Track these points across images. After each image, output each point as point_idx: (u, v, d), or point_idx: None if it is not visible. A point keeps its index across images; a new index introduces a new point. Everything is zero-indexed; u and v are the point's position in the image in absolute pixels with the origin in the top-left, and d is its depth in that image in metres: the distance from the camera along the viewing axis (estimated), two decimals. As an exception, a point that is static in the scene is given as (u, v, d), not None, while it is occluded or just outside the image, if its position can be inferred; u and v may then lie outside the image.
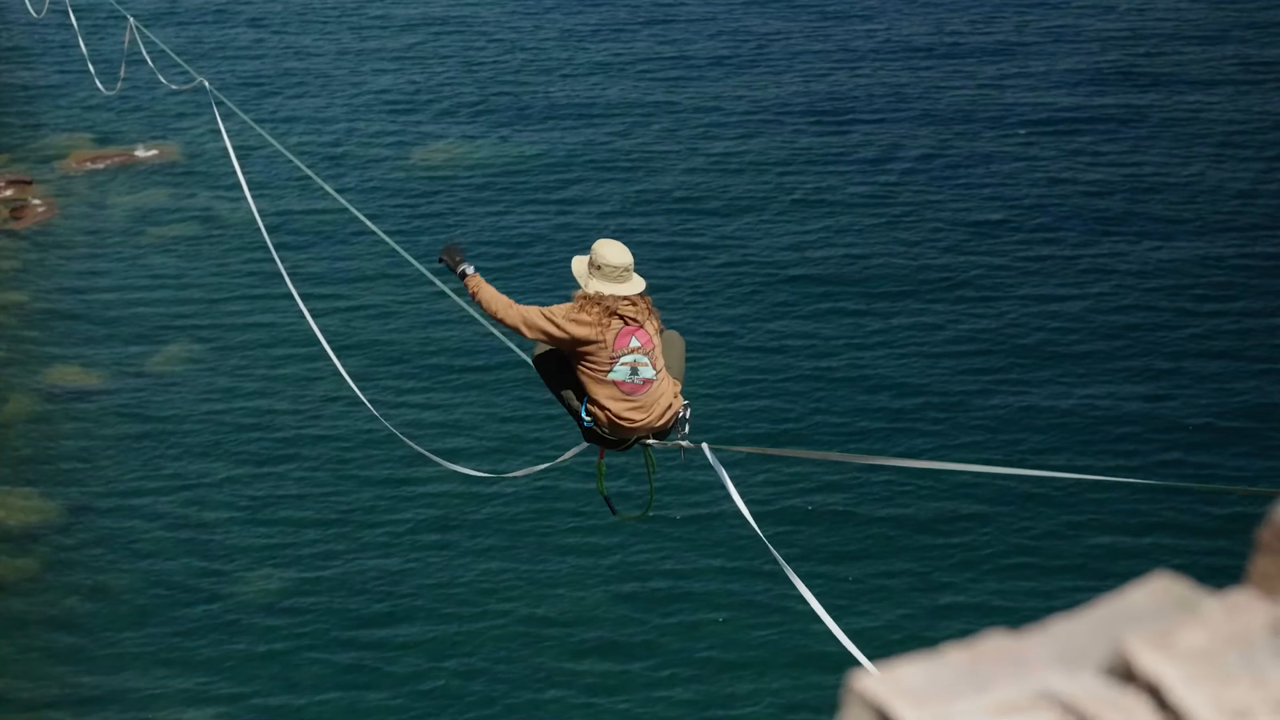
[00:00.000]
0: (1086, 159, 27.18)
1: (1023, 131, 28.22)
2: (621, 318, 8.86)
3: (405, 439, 12.61)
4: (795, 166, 27.44)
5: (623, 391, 8.89)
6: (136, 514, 19.58)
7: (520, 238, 25.39)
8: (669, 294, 23.16)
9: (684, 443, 8.98)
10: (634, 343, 8.87)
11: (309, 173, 14.40)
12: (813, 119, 29.19)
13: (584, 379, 8.97)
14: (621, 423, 8.92)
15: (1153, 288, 23.29)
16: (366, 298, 24.04)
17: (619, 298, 8.86)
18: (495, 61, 32.51)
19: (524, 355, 10.01)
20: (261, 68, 32.95)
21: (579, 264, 9.12)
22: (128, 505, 19.74)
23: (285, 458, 20.49)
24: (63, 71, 33.04)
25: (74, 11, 29.12)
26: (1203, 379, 21.20)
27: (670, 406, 9.04)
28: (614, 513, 9.82)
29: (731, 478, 8.79)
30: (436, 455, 11.70)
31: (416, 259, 11.90)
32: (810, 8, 34.48)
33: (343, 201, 13.55)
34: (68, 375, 22.40)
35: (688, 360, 9.62)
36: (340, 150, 28.98)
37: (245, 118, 16.79)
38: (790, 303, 23.36)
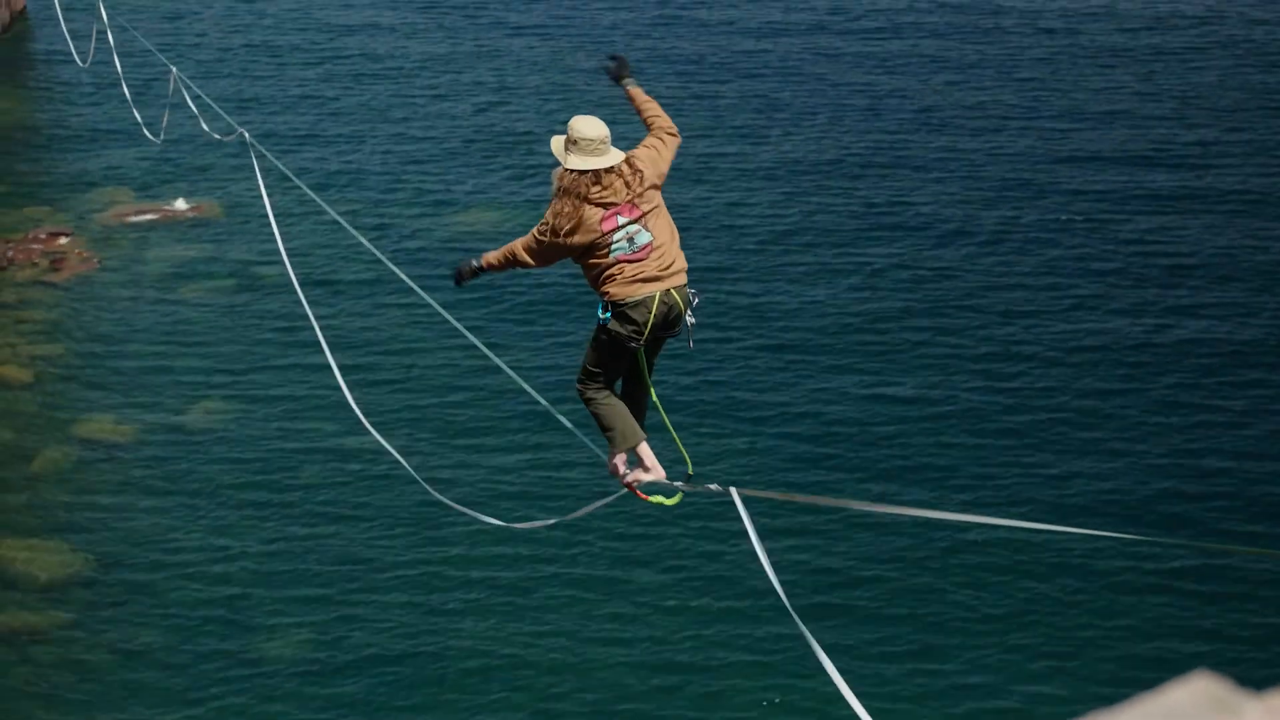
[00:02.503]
0: (1127, 236, 27.16)
1: (1063, 217, 28.23)
2: (601, 205, 9.01)
3: (443, 497, 12.60)
4: (828, 230, 27.47)
5: (625, 262, 9.05)
6: (166, 568, 19.59)
7: (562, 295, 25.44)
8: (705, 340, 23.18)
9: (713, 486, 8.92)
10: (620, 219, 9.02)
11: (344, 224, 14.45)
12: (848, 182, 29.23)
13: (593, 274, 9.13)
14: (632, 285, 9.02)
15: (1192, 362, 23.22)
16: (401, 352, 24.09)
17: (593, 183, 8.96)
18: (539, 120, 32.68)
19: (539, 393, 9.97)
20: (303, 121, 33.18)
21: (557, 142, 9.22)
22: (157, 559, 19.76)
23: (316, 515, 20.49)
24: (107, 121, 33.33)
25: (119, 60, 29.38)
26: (1249, 452, 21.10)
27: (676, 263, 9.13)
28: (689, 476, 9.65)
29: (759, 524, 8.67)
30: (470, 509, 11.67)
31: (451, 314, 11.95)
32: (840, 72, 34.61)
33: (376, 253, 13.61)
34: (101, 428, 22.46)
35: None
36: (379, 205, 29.12)
37: (284, 169, 16.87)
38: (826, 366, 23.34)
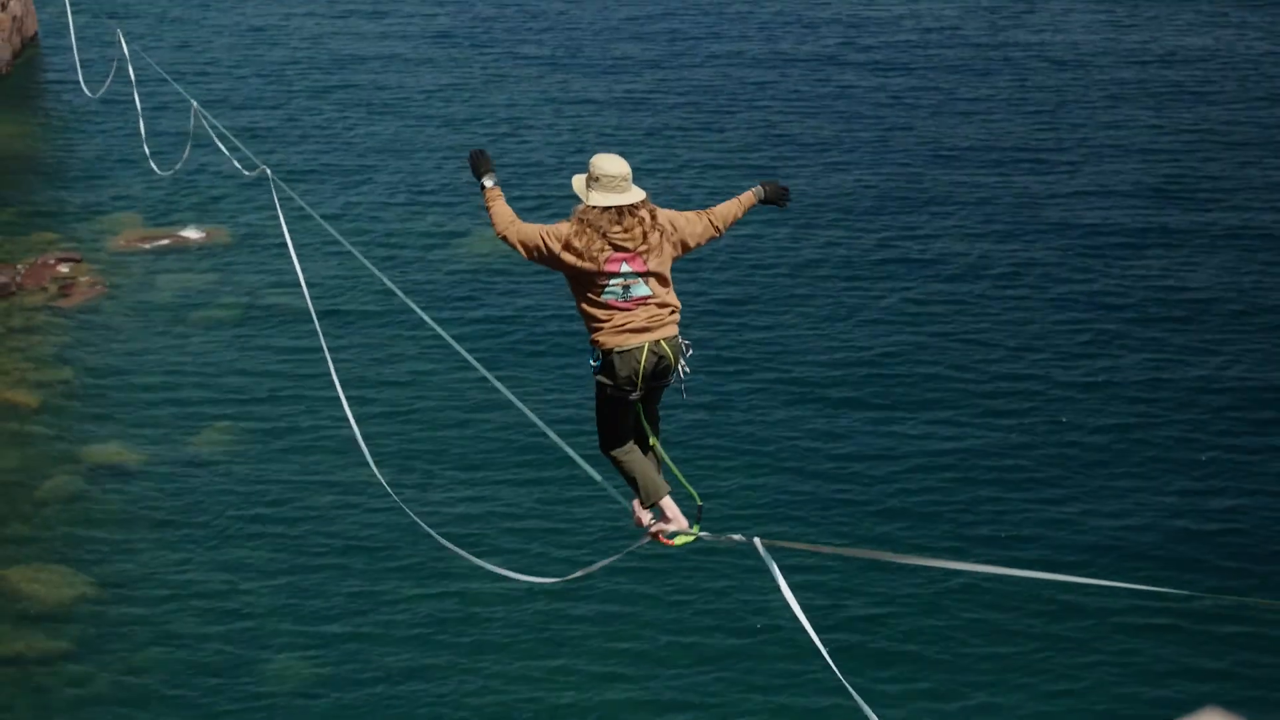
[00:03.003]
0: (1135, 274, 27.10)
1: (1074, 253, 28.20)
2: (614, 246, 9.08)
3: (455, 547, 12.53)
4: (840, 265, 27.44)
5: (615, 309, 9.12)
6: (170, 596, 19.51)
7: (572, 329, 25.40)
8: (722, 394, 23.12)
9: (736, 537, 8.88)
10: (625, 268, 9.10)
11: (367, 263, 14.35)
12: (860, 217, 29.20)
13: (581, 305, 9.21)
14: (620, 335, 9.10)
15: (1206, 402, 23.13)
16: (411, 384, 24.03)
17: (614, 221, 9.06)
18: (550, 150, 32.69)
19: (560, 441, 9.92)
20: (314, 151, 33.19)
21: (578, 180, 9.31)
22: (162, 586, 19.67)
23: (324, 546, 20.40)
24: (119, 150, 33.35)
25: (137, 92, 29.41)
26: (1258, 493, 21.00)
27: (667, 318, 9.19)
28: (700, 508, 9.65)
29: (762, 577, 8.57)
30: (479, 556, 11.60)
31: (468, 350, 11.90)
32: (852, 105, 34.61)
33: (396, 290, 13.54)
34: (108, 454, 22.41)
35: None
36: (390, 236, 29.10)
37: (307, 207, 16.91)
38: (826, 408, 23.26)
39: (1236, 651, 18.19)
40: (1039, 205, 29.73)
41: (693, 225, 9.44)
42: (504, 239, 9.34)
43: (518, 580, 11.07)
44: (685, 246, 9.38)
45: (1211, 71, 36.63)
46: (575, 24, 41.46)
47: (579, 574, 10.92)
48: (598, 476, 10.07)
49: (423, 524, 12.52)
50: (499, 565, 11.47)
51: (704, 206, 9.73)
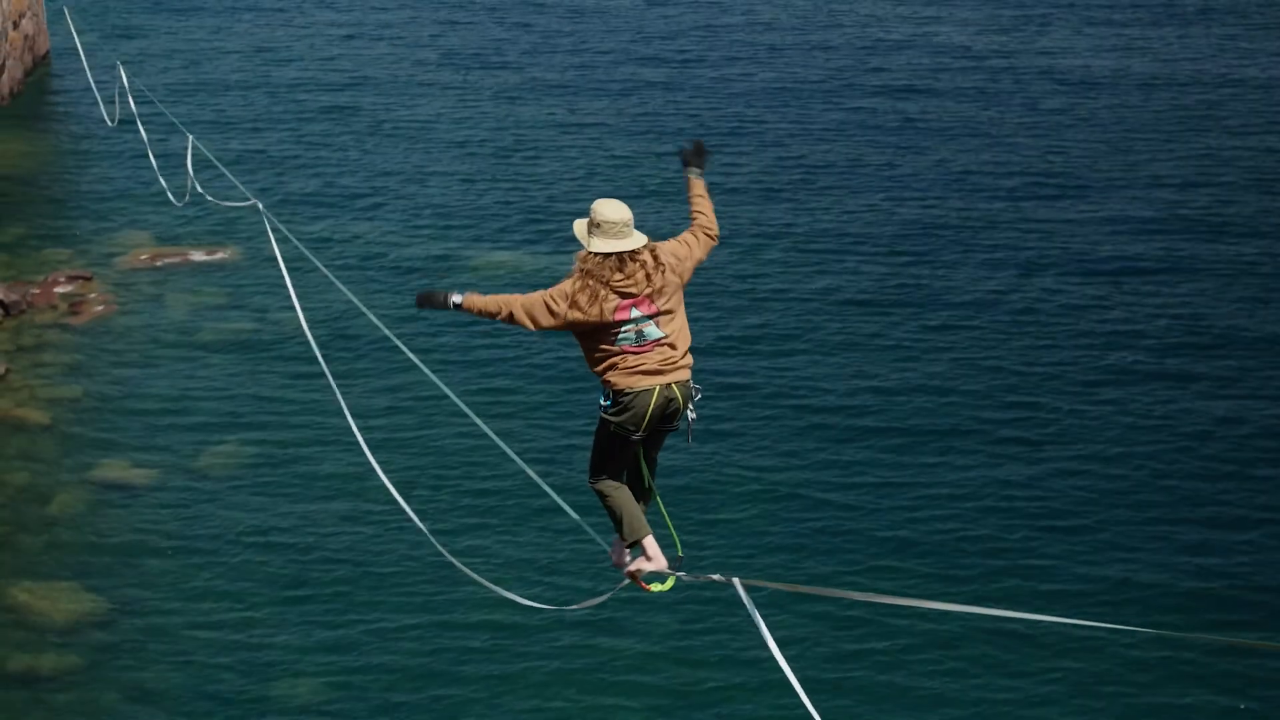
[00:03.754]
0: (1153, 304, 27.00)
1: (1093, 285, 28.09)
2: (620, 293, 9.02)
3: (466, 569, 12.42)
4: (846, 302, 27.35)
5: (629, 353, 9.07)
6: (179, 614, 19.40)
7: (575, 360, 25.30)
8: (710, 425, 23.01)
9: (716, 577, 8.85)
10: (634, 313, 9.05)
11: (357, 302, 14.36)
12: (865, 251, 29.13)
13: (593, 355, 9.15)
14: (633, 376, 9.05)
15: (1227, 434, 22.99)
16: (418, 414, 23.94)
17: (615, 269, 8.99)
18: (560, 173, 32.65)
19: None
20: (333, 178, 33.17)
21: (579, 225, 9.24)
22: (171, 604, 19.56)
23: (329, 569, 20.29)
24: (130, 172, 33.34)
25: (141, 121, 29.46)
26: (1265, 540, 20.85)
27: (681, 360, 9.15)
28: (680, 559, 9.70)
29: (765, 617, 8.48)
30: (487, 580, 11.48)
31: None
32: (861, 132, 34.57)
33: (387, 332, 13.46)
34: (116, 473, 22.32)
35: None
36: (396, 265, 29.05)
37: (296, 241, 16.84)
38: (832, 441, 23.14)
39: (1258, 690, 17.99)
40: (1054, 233, 29.64)
41: (693, 250, 9.46)
42: (510, 320, 9.20)
43: (529, 606, 11.00)
44: (688, 272, 9.35)
45: (1226, 97, 36.59)
46: (586, 46, 41.47)
47: (575, 607, 10.88)
48: (575, 516, 10.07)
49: (447, 552, 12.41)
50: (510, 593, 11.33)
51: (712, 231, 9.68)
